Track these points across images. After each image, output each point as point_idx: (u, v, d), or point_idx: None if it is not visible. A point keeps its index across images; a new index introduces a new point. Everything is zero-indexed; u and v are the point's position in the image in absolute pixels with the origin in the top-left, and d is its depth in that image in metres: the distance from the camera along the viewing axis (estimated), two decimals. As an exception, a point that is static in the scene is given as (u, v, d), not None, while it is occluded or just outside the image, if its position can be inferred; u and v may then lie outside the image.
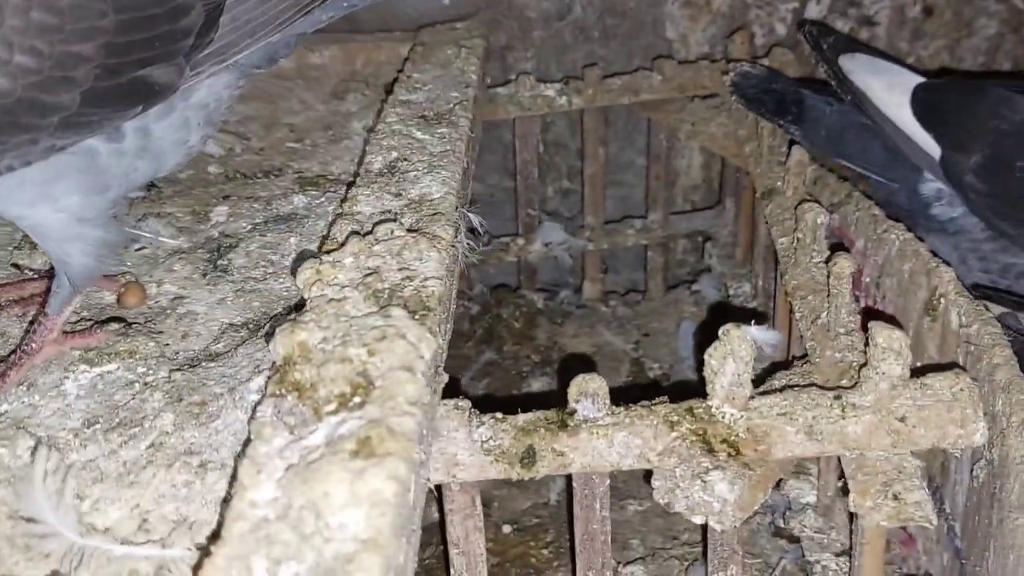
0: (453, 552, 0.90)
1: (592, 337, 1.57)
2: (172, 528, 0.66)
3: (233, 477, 0.61)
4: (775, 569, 1.07)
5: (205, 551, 0.61)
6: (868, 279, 1.09)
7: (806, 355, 0.97)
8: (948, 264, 0.95)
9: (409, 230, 0.83)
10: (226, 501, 0.66)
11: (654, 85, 1.46)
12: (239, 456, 0.66)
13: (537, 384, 1.48)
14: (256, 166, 1.20)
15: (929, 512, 0.79)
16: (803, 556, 1.07)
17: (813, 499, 1.09)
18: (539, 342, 1.57)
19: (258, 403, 0.66)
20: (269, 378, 0.67)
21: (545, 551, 1.20)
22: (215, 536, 0.57)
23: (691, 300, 1.60)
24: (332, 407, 0.63)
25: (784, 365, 1.01)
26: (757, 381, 0.92)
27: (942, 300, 0.93)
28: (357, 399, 0.63)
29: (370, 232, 0.82)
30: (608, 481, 0.87)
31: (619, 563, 1.13)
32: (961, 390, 0.80)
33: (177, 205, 1.11)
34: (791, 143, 1.21)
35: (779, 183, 1.20)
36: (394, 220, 0.84)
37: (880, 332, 0.79)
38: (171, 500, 0.68)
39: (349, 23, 1.57)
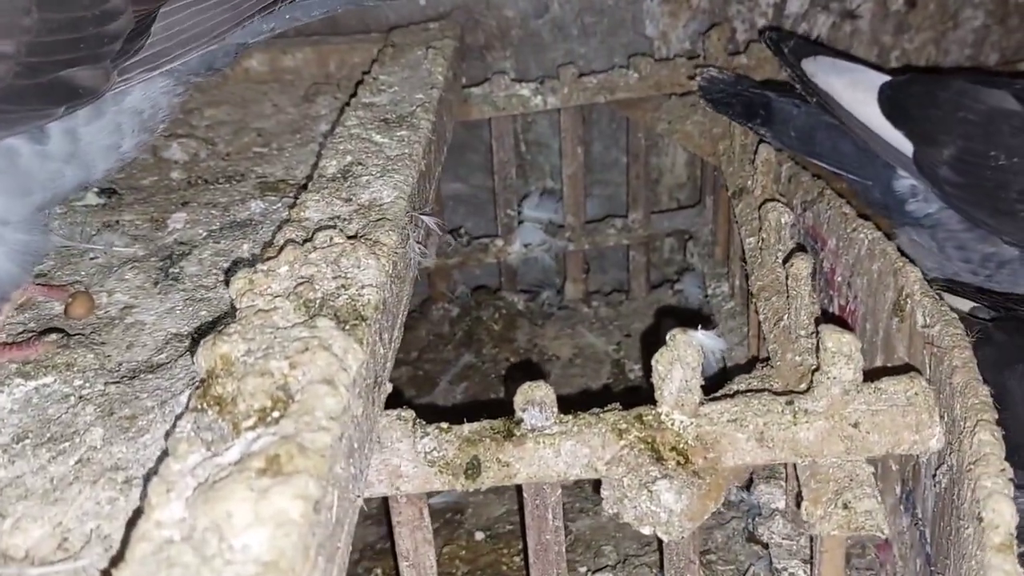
0: (403, 564, 0.88)
1: (573, 338, 1.55)
2: (91, 545, 0.64)
3: (144, 495, 0.59)
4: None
5: (106, 573, 0.60)
6: (840, 279, 1.07)
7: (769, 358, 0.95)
8: (914, 263, 0.93)
9: (351, 237, 0.81)
10: (133, 521, 0.64)
11: (630, 83, 1.44)
12: (150, 473, 0.65)
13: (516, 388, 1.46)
14: (220, 171, 1.19)
15: (880, 521, 0.77)
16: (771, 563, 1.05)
17: (783, 504, 1.06)
18: (519, 344, 1.55)
19: (178, 417, 0.65)
20: (193, 392, 0.65)
21: (517, 558, 1.18)
22: (118, 558, 0.56)
23: (674, 300, 1.58)
24: (251, 422, 0.61)
25: (749, 368, 0.99)
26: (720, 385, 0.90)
27: (908, 300, 0.91)
28: (276, 414, 0.61)
29: (309, 239, 0.80)
30: (560, 491, 0.85)
31: (589, 571, 1.11)
32: (916, 394, 0.78)
33: (136, 212, 1.09)
34: (761, 141, 1.19)
35: (749, 182, 1.18)
36: (334, 227, 0.82)
37: (830, 336, 0.76)
38: (94, 517, 0.66)
39: (328, 25, 1.56)
